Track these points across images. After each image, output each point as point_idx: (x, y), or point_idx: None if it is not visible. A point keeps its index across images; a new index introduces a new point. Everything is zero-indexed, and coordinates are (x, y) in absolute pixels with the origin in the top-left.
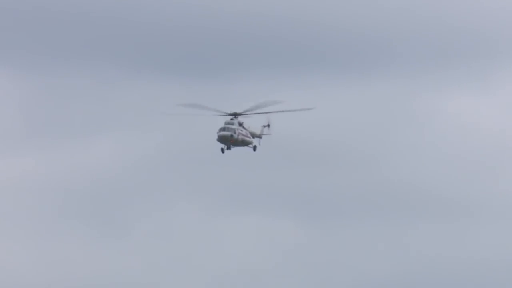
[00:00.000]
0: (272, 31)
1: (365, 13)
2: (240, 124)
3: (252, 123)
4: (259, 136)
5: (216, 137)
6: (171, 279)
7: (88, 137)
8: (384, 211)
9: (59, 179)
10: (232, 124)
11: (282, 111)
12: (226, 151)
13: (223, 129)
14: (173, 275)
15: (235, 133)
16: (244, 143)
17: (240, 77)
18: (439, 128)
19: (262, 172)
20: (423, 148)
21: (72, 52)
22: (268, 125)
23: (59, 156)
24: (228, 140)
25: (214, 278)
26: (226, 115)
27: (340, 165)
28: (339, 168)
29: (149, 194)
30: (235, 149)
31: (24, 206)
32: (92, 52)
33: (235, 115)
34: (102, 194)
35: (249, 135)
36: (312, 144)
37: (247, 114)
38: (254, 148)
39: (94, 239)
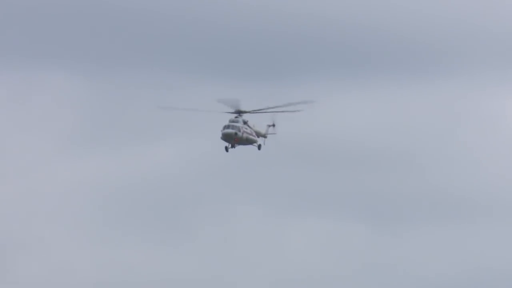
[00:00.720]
0: (332, 33)
1: (426, 13)
2: (245, 123)
3: (257, 123)
4: (264, 136)
5: (220, 135)
6: (236, 283)
7: (152, 142)
8: (451, 214)
9: (123, 183)
10: (237, 122)
11: (284, 111)
12: (230, 150)
13: (227, 126)
14: (238, 280)
15: (239, 131)
16: (248, 142)
17: (301, 80)
18: (503, 130)
19: (325, 175)
20: (488, 151)
21: (137, 57)
22: (273, 125)
23: (124, 161)
24: (232, 138)
25: (280, 283)
26: (230, 113)
27: (405, 167)
28: (404, 171)
29: (213, 198)
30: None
31: (88, 210)
32: (157, 57)
33: (240, 113)
34: (166, 198)
35: (254, 134)
36: (374, 147)
37: (252, 112)
38: (259, 147)
39: (158, 243)
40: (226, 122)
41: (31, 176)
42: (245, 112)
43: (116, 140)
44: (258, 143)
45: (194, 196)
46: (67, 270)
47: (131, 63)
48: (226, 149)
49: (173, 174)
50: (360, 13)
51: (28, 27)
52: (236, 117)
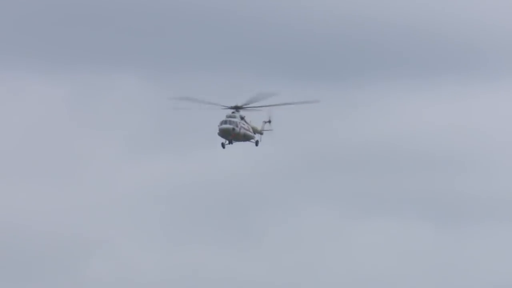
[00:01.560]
0: (400, 35)
1: (490, 14)
2: (242, 118)
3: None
4: (260, 132)
5: (217, 131)
6: (303, 285)
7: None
8: None
9: (190, 186)
10: (234, 117)
11: (285, 104)
12: (227, 146)
13: (224, 122)
14: (306, 281)
15: (237, 126)
16: (246, 138)
17: (367, 80)
18: None
19: (391, 175)
20: None
21: (205, 59)
22: (269, 121)
23: (191, 163)
24: (230, 134)
25: (347, 284)
26: (227, 108)
27: (471, 167)
28: (470, 171)
29: (281, 199)
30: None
31: (156, 213)
32: (228, 58)
33: (237, 108)
34: (233, 200)
35: (251, 130)
36: (440, 147)
37: (249, 107)
38: (257, 143)
39: (226, 245)
40: (223, 118)
41: (101, 178)
42: (242, 107)
43: (183, 143)
44: (256, 139)
45: (261, 198)
46: (136, 272)
47: (200, 65)
48: (223, 145)
49: (240, 176)
50: (423, 14)
51: (98, 29)
52: (233, 112)
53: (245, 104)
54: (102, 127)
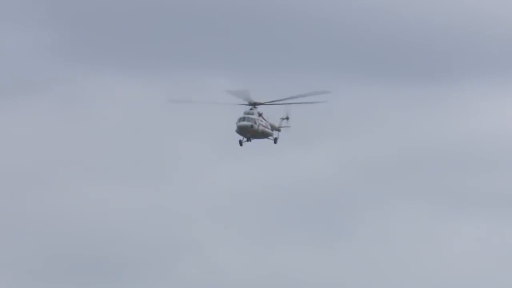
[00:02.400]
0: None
1: None
2: (260, 115)
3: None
4: (278, 129)
5: (235, 128)
6: (395, 284)
7: (311, 142)
8: None
9: (280, 185)
10: (252, 114)
11: (299, 103)
12: (244, 143)
13: (242, 119)
14: (397, 281)
15: (255, 123)
16: (264, 135)
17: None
18: None
19: (481, 173)
20: None
21: (298, 58)
22: (287, 118)
23: (282, 162)
24: (248, 131)
25: (440, 285)
26: (245, 105)
27: None
28: None
29: (371, 197)
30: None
31: (246, 212)
32: (313, 59)
33: (255, 104)
34: (324, 199)
35: (269, 126)
36: None
37: (267, 104)
38: (275, 140)
39: (317, 245)
40: (241, 114)
41: (192, 180)
42: (260, 103)
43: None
44: (274, 136)
45: (351, 196)
46: (226, 272)
47: (292, 65)
48: (240, 142)
49: (329, 175)
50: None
51: (194, 33)
52: (251, 109)
53: (263, 101)
54: (192, 129)
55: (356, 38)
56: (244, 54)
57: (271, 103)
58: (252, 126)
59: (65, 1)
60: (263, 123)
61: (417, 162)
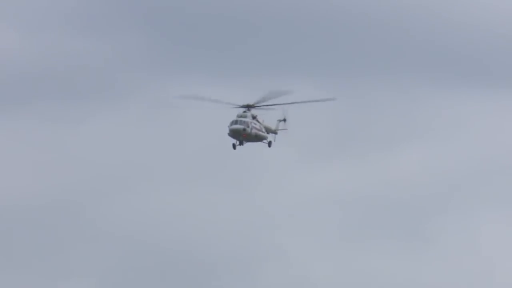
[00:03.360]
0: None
1: None
2: (254, 117)
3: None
4: (274, 132)
5: (228, 131)
6: None
7: (392, 149)
8: None
9: (365, 190)
10: (245, 117)
11: (300, 102)
12: (238, 147)
13: (235, 122)
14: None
15: (248, 126)
16: (258, 138)
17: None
18: None
19: None
20: None
21: (373, 65)
22: (284, 120)
23: (366, 168)
24: (241, 135)
25: None
26: (238, 107)
27: None
28: None
29: (452, 204)
30: (249, 145)
31: (331, 218)
32: (394, 65)
33: (248, 107)
34: (409, 203)
35: (263, 130)
36: None
37: (261, 106)
38: (269, 143)
39: (398, 250)
40: (234, 117)
41: (277, 185)
42: (254, 106)
43: (360, 147)
44: (268, 139)
45: (435, 203)
46: (311, 279)
47: (373, 73)
48: (234, 146)
49: (414, 181)
50: None
51: (275, 39)
52: (244, 111)
53: (257, 103)
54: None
55: (439, 41)
56: (327, 60)
57: (265, 105)
58: (244, 129)
59: (148, 10)
60: (257, 126)
61: (502, 168)
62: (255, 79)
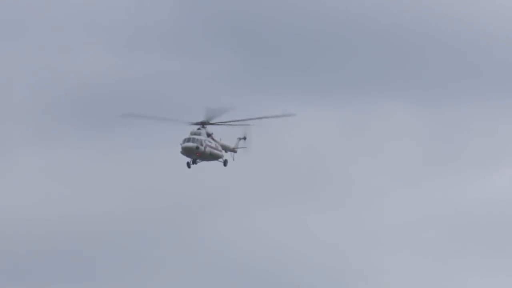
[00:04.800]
0: None
1: None
2: (209, 135)
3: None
4: (233, 150)
5: (180, 149)
6: None
7: (488, 169)
8: None
9: (459, 209)
10: (199, 134)
11: (257, 119)
12: (192, 166)
13: (187, 140)
14: None
15: (201, 144)
16: (213, 157)
17: None
18: None
19: None
20: None
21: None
22: (245, 138)
23: (459, 187)
24: (194, 153)
25: None
26: (193, 124)
27: None
28: None
29: None
30: (203, 164)
31: (431, 237)
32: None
33: (203, 124)
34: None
35: (219, 148)
36: None
37: (217, 124)
38: (225, 162)
39: (491, 270)
40: (187, 135)
41: (375, 204)
42: (209, 123)
43: (453, 167)
44: (224, 158)
45: None
46: None
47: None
48: (188, 165)
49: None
50: None
51: (367, 58)
52: (198, 128)
53: (213, 120)
54: (373, 153)
55: None
56: (423, 82)
57: (222, 123)
58: (197, 147)
59: (242, 30)
60: (212, 144)
61: None
62: (346, 98)
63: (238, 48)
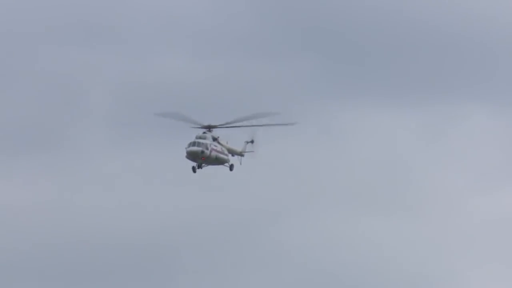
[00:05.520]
0: None
1: None
2: (215, 139)
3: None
4: (240, 154)
5: (185, 154)
6: None
7: None
8: None
9: None
10: (204, 138)
11: (265, 125)
12: (198, 170)
13: (192, 144)
14: None
15: (207, 148)
16: (218, 161)
17: None
18: None
19: None
20: None
21: None
22: (252, 141)
23: None
24: (199, 157)
25: None
26: (199, 127)
27: None
28: None
29: None
30: (209, 168)
31: (503, 243)
32: None
33: (210, 127)
34: None
35: (226, 152)
36: None
37: (223, 127)
38: (231, 167)
39: None
40: (192, 139)
41: (451, 210)
42: (215, 126)
43: None
44: (230, 162)
45: None
46: None
47: None
48: (194, 169)
49: None
50: None
51: (447, 60)
52: (204, 132)
53: (219, 124)
54: (451, 156)
55: None
56: (501, 83)
57: (228, 126)
58: (202, 151)
59: (320, 33)
60: (218, 148)
61: None
62: (423, 100)
63: (314, 51)
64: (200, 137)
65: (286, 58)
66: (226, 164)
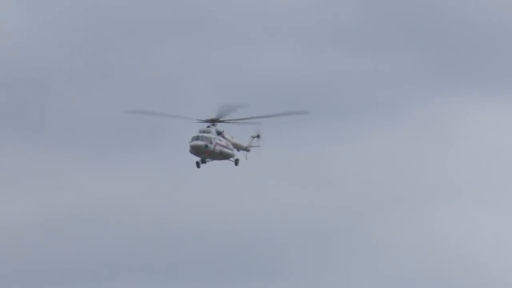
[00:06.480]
0: None
1: None
2: (220, 133)
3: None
4: (246, 149)
5: (188, 148)
6: None
7: None
8: None
9: None
10: (208, 132)
11: (270, 116)
12: (202, 165)
13: (196, 138)
14: None
15: (211, 143)
16: (223, 156)
17: None
18: None
19: None
20: None
21: None
22: (258, 136)
23: None
24: (203, 152)
25: None
26: (202, 122)
27: None
28: None
29: None
30: (213, 163)
31: None
32: None
33: (213, 122)
34: None
35: (231, 146)
36: None
37: (228, 121)
38: (236, 162)
39: None
40: (196, 133)
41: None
42: (219, 121)
43: None
44: (235, 157)
45: None
46: None
47: None
48: (197, 164)
49: None
50: None
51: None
52: (208, 126)
53: (223, 118)
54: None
55: None
56: None
57: (233, 120)
58: (206, 146)
59: (420, 29)
60: (222, 142)
61: None
62: None
63: (419, 46)
64: (203, 131)
65: (387, 53)
66: (231, 158)
